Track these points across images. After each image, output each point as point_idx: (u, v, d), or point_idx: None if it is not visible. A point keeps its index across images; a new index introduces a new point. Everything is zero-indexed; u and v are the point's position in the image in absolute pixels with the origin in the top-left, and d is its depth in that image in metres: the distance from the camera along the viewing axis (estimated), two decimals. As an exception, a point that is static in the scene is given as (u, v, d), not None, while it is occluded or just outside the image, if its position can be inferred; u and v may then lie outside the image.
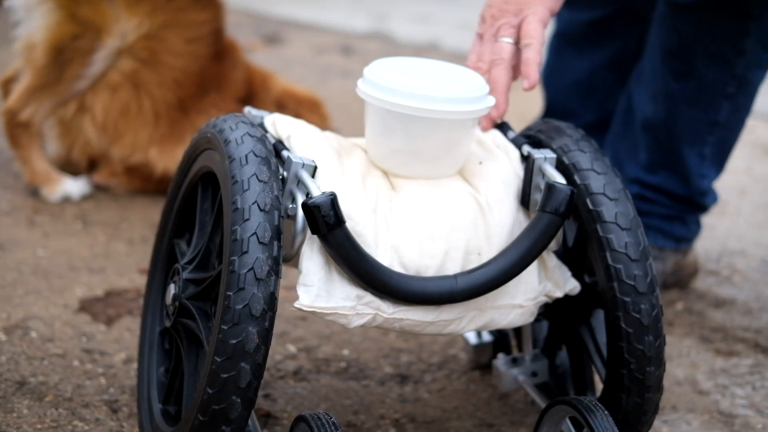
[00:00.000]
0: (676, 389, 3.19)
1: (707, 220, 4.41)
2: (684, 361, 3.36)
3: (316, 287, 2.36)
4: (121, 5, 3.93)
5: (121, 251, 3.75)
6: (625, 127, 3.68)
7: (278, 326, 3.31)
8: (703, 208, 3.69)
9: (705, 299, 3.78)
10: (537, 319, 2.75)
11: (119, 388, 2.94)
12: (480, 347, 3.12)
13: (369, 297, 2.39)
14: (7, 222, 3.88)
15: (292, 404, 2.94)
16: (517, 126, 2.84)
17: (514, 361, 2.87)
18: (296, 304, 2.36)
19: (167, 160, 4.10)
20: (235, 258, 2.23)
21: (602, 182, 2.44)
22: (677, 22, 3.38)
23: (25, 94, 4.02)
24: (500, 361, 2.88)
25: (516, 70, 2.62)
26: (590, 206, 2.44)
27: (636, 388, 2.43)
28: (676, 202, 3.63)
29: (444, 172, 2.48)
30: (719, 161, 3.61)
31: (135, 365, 3.05)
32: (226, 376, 2.19)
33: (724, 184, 4.79)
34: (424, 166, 2.45)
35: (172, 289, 2.56)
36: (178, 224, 2.73)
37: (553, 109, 4.03)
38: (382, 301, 2.40)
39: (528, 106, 5.05)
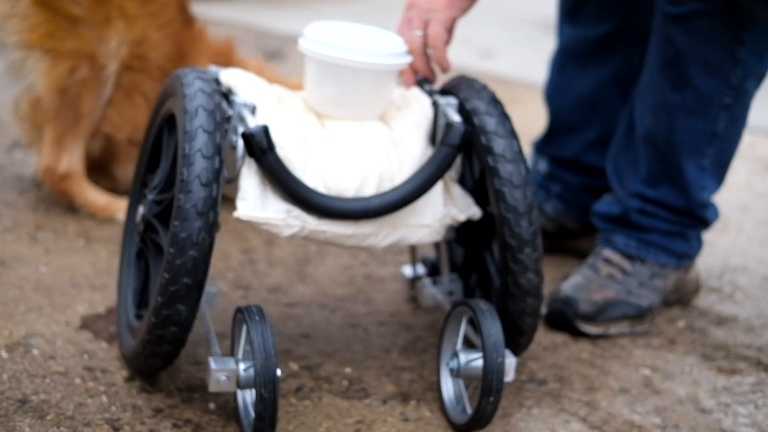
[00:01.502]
0: (678, 408, 3.18)
1: (709, 236, 4.41)
2: (686, 379, 3.36)
3: (251, 200, 2.91)
4: (100, 25, 3.94)
5: (123, 268, 3.74)
6: (627, 141, 3.68)
7: (281, 344, 3.31)
8: (705, 223, 3.69)
9: (707, 317, 3.78)
10: (452, 247, 3.43)
11: (121, 407, 2.93)
12: (415, 279, 3.64)
13: (297, 211, 2.92)
14: (9, 238, 3.88)
15: (294, 423, 2.94)
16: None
17: (434, 283, 3.45)
18: (234, 214, 2.90)
19: None
20: (182, 195, 2.77)
21: (495, 122, 2.95)
22: (672, 33, 3.39)
23: (54, 146, 4.03)
24: (423, 282, 3.47)
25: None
26: (484, 142, 2.93)
27: (519, 293, 2.92)
28: (677, 216, 3.63)
29: (368, 116, 3.00)
30: (718, 173, 3.61)
31: (137, 383, 3.05)
32: (179, 262, 2.73)
33: (725, 200, 4.80)
34: (351, 110, 2.98)
35: (140, 210, 3.11)
36: (149, 160, 3.26)
37: (556, 125, 4.04)
38: (308, 216, 2.92)
39: (532, 122, 5.06)
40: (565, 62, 4.00)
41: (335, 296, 3.70)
